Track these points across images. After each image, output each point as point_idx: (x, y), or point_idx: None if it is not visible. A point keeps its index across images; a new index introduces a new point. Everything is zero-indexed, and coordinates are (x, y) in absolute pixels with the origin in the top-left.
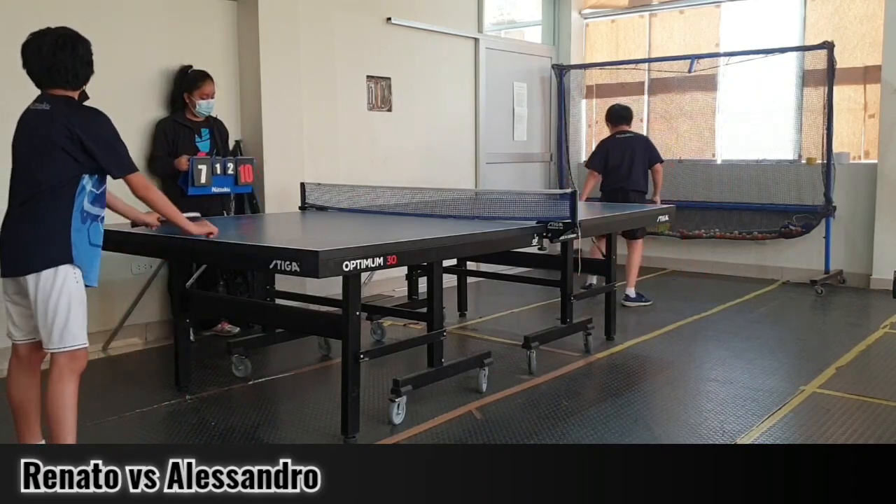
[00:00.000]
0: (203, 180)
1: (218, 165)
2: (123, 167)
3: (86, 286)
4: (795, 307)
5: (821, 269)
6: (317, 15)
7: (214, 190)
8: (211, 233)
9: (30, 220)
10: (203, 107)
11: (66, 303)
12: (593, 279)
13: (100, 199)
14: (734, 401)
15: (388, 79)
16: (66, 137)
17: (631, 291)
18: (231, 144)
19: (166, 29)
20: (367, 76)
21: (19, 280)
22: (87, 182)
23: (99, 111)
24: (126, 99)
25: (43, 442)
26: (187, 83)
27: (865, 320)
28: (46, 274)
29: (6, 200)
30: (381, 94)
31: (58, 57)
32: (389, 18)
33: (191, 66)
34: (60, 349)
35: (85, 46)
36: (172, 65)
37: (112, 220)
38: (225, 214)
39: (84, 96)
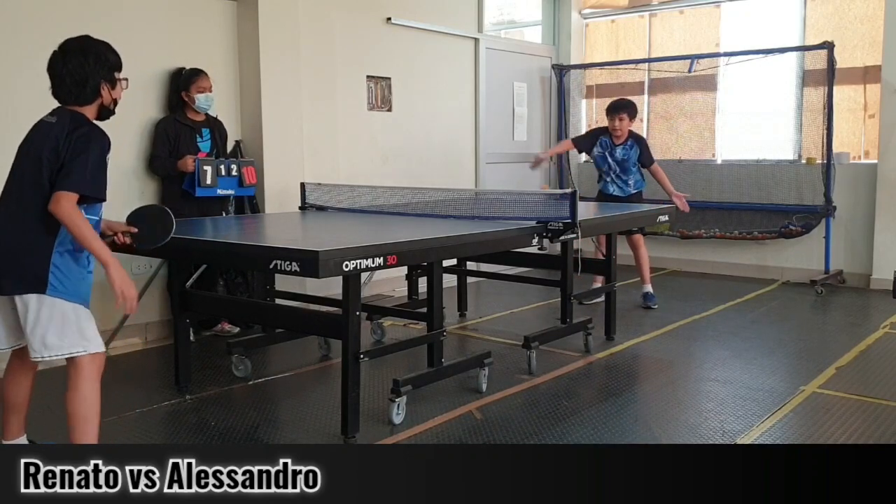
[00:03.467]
0: (209, 181)
1: (223, 166)
2: (72, 182)
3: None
4: (795, 307)
5: (821, 269)
6: (317, 15)
7: (220, 192)
8: (127, 298)
9: (12, 232)
10: (202, 100)
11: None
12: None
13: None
14: (734, 401)
15: (388, 79)
16: (53, 155)
17: (648, 288)
18: (231, 145)
19: (166, 29)
20: (367, 76)
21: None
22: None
23: (97, 134)
24: (126, 99)
25: (24, 437)
26: (183, 81)
27: (865, 320)
28: (27, 298)
29: None
30: (381, 94)
31: (63, 68)
32: (389, 18)
33: (184, 68)
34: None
35: (95, 58)
36: (172, 65)
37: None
38: (224, 214)
39: (105, 112)
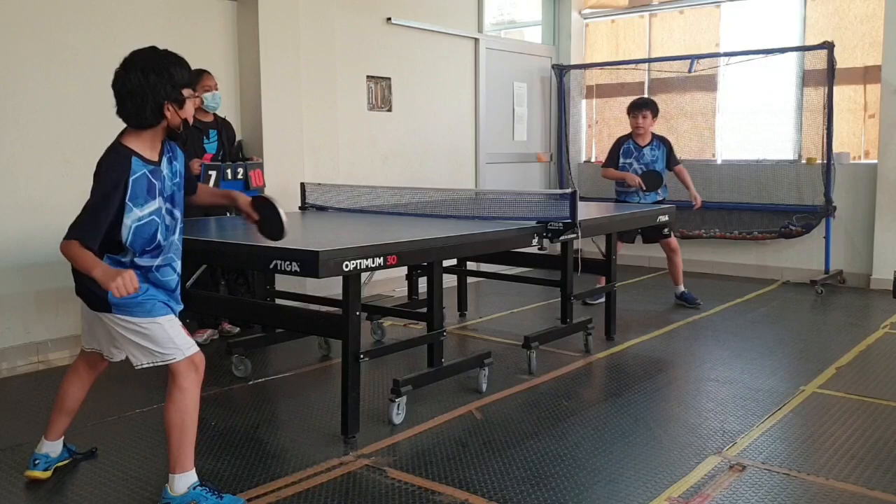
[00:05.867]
0: (213, 185)
1: (229, 171)
2: (71, 228)
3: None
4: (795, 307)
5: (821, 269)
6: (317, 15)
7: None
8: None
9: None
10: (209, 99)
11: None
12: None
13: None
14: (734, 401)
15: (388, 79)
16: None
17: (679, 289)
18: None
19: (166, 29)
20: (367, 76)
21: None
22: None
23: (108, 164)
24: None
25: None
26: None
27: (865, 320)
28: (102, 316)
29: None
30: (381, 94)
31: (123, 87)
32: (389, 18)
33: None
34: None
35: (157, 74)
36: None
37: None
38: (227, 215)
39: (173, 134)
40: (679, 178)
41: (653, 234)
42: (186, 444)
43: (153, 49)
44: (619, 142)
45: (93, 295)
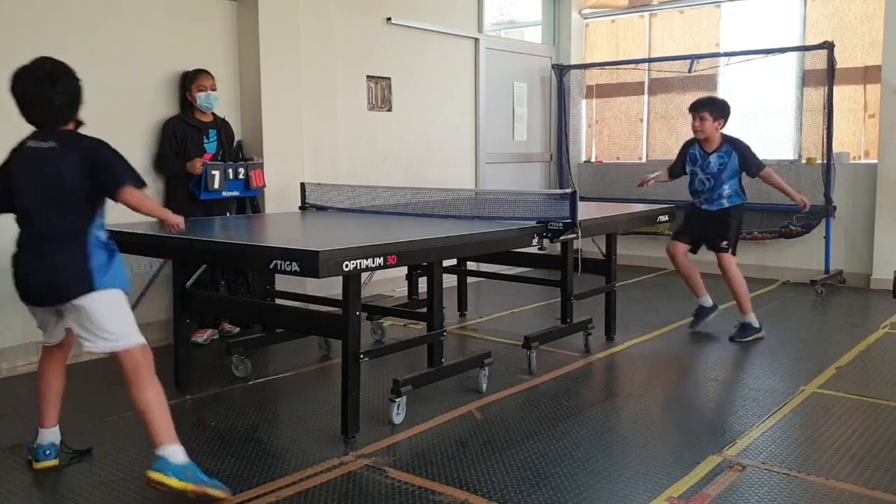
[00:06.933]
0: (216, 185)
1: (231, 170)
2: (136, 177)
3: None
4: (795, 307)
5: (821, 269)
6: (317, 15)
7: (225, 194)
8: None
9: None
10: (202, 99)
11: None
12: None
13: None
14: (734, 401)
15: (388, 79)
16: (80, 172)
17: (750, 318)
18: None
19: (166, 29)
20: (367, 76)
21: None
22: (99, 216)
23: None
24: (127, 100)
25: (56, 426)
26: (186, 83)
27: (865, 320)
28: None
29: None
30: (381, 94)
31: (52, 90)
32: (389, 18)
33: (189, 71)
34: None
35: (75, 77)
36: (172, 65)
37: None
38: (228, 214)
39: (78, 127)
40: (769, 183)
41: (712, 241)
42: (168, 416)
43: (50, 58)
44: (686, 146)
45: (66, 287)
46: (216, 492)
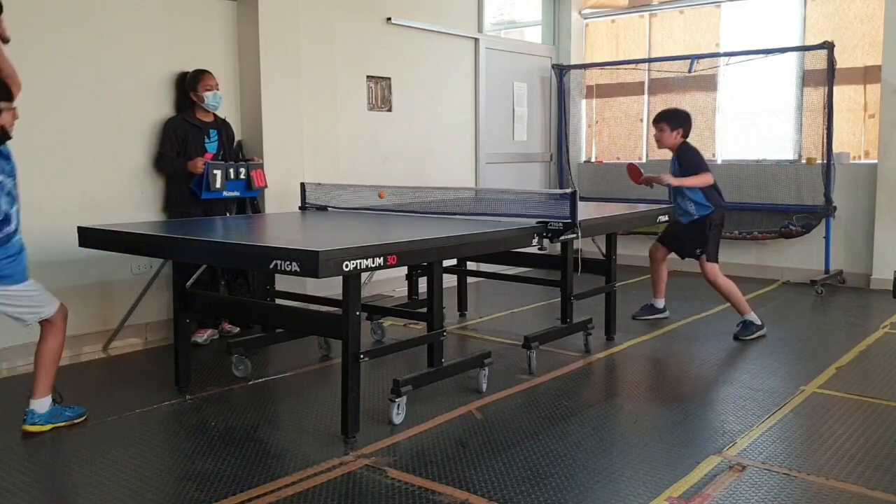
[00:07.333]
0: (218, 185)
1: (232, 170)
2: None
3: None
4: (795, 307)
5: (821, 269)
6: (317, 15)
7: (226, 194)
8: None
9: None
10: (211, 98)
11: None
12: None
13: None
14: (734, 401)
15: (388, 79)
16: None
17: (751, 317)
18: None
19: (166, 29)
20: (367, 76)
21: None
22: None
23: None
24: (127, 100)
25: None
26: (190, 82)
27: (865, 320)
28: None
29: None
30: (381, 94)
31: None
32: (389, 18)
33: (187, 72)
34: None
35: None
36: (172, 65)
37: (112, 219)
38: (228, 214)
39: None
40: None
41: (686, 250)
42: (54, 374)
43: None
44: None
45: None
46: (79, 420)
